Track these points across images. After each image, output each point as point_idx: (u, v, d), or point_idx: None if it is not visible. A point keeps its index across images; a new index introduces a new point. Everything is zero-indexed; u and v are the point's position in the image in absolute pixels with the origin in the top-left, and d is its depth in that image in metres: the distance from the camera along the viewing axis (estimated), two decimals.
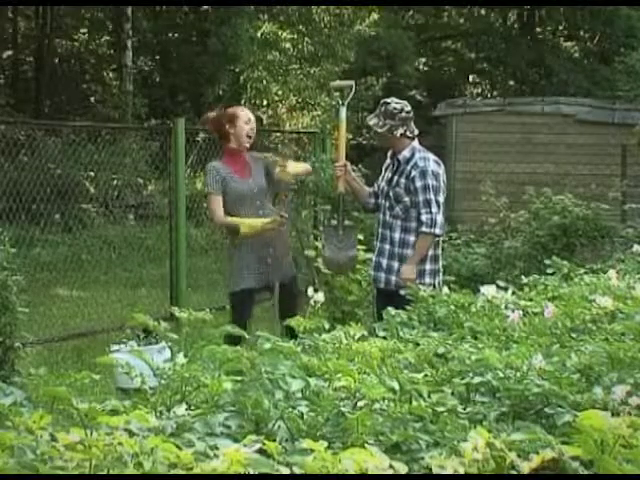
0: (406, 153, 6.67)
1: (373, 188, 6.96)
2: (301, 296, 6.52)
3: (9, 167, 11.50)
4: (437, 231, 6.58)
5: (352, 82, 7.04)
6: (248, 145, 6.86)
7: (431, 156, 6.76)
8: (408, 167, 6.64)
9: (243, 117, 6.83)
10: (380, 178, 6.92)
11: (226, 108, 7.02)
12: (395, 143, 6.68)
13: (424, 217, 6.56)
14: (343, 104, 6.81)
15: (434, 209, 6.57)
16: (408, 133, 6.66)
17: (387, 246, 6.70)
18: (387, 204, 6.72)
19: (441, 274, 6.85)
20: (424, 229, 6.55)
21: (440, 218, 6.60)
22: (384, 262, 6.69)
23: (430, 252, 6.70)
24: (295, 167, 6.95)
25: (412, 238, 6.65)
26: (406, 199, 6.63)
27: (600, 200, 10.63)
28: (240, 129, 6.81)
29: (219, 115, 6.94)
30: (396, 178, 6.69)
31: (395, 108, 6.65)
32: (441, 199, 6.64)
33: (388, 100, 6.80)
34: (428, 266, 6.71)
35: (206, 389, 3.03)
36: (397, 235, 6.66)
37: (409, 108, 6.72)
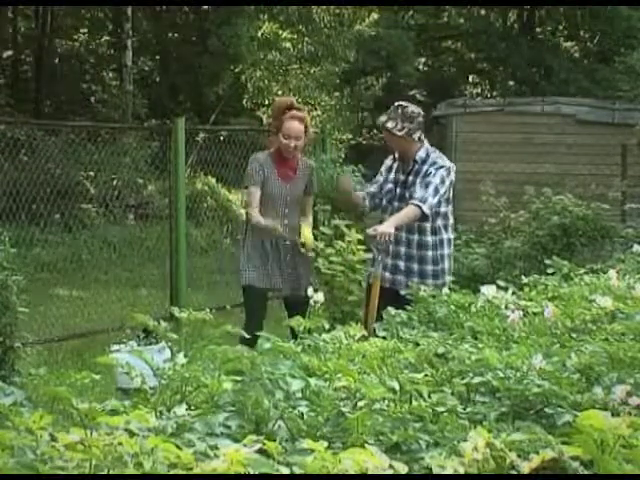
0: (422, 154, 6.68)
1: (368, 190, 6.93)
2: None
3: (9, 167, 11.50)
4: (425, 209, 6.51)
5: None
6: (290, 156, 6.76)
7: (444, 156, 6.84)
8: (425, 167, 6.65)
9: (284, 130, 6.67)
10: (381, 179, 6.90)
11: (288, 107, 6.75)
12: (409, 147, 6.67)
13: (417, 194, 6.53)
14: (380, 259, 6.69)
15: (430, 190, 6.52)
16: (422, 137, 6.71)
17: (403, 248, 6.68)
18: (403, 206, 6.67)
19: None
20: (414, 202, 6.50)
21: (432, 201, 6.52)
22: (402, 264, 6.69)
23: (431, 253, 6.73)
24: (308, 234, 6.84)
25: (429, 239, 6.65)
26: None
27: (600, 200, 10.63)
28: (281, 140, 6.71)
29: (275, 112, 6.84)
30: (411, 179, 6.68)
31: (413, 112, 6.66)
32: (442, 190, 6.59)
33: (404, 103, 6.78)
34: (443, 266, 6.75)
35: (206, 389, 3.03)
36: (415, 237, 6.64)
37: (422, 113, 6.79)
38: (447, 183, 6.65)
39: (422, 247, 6.66)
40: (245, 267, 6.78)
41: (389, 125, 6.64)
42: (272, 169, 6.76)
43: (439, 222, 6.70)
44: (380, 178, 6.90)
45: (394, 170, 6.81)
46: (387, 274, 6.73)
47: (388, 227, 6.41)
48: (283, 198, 6.78)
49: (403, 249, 6.69)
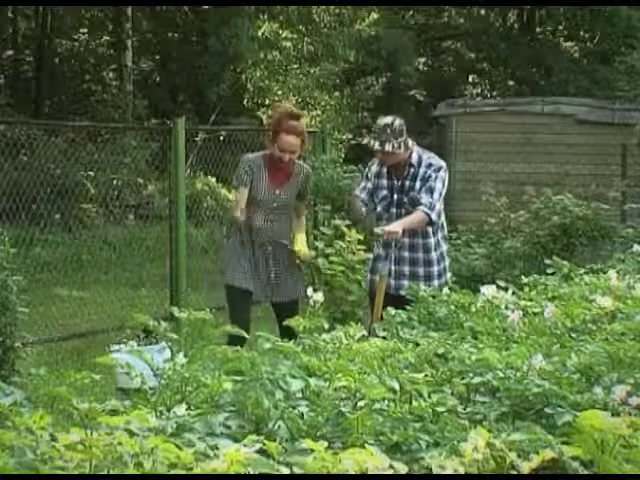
0: (415, 157, 6.68)
1: (359, 197, 6.82)
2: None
3: (9, 167, 11.49)
4: (433, 216, 6.54)
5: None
6: (286, 161, 6.55)
7: (432, 153, 6.86)
8: (422, 169, 6.65)
9: (279, 144, 6.47)
10: (370, 185, 6.81)
11: (287, 116, 6.54)
12: (405, 157, 6.66)
13: (424, 200, 6.53)
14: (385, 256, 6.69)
15: (435, 195, 6.56)
16: (412, 143, 6.70)
17: (406, 253, 6.68)
18: (402, 211, 6.65)
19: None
20: (423, 209, 6.52)
21: (439, 207, 6.59)
22: (407, 269, 6.68)
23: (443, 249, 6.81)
24: (302, 243, 6.71)
25: (431, 240, 6.66)
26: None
27: (600, 200, 10.62)
28: (276, 151, 6.51)
29: (275, 121, 6.64)
30: (408, 183, 6.66)
31: (401, 125, 6.61)
32: (444, 193, 6.65)
33: (387, 121, 6.65)
34: (445, 264, 6.83)
35: (206, 389, 3.03)
36: (419, 241, 6.63)
37: (402, 121, 6.72)
38: (446, 184, 6.70)
39: (427, 250, 6.68)
40: (227, 266, 6.65)
41: (389, 148, 6.56)
42: (263, 172, 6.56)
43: (438, 221, 6.73)
44: (369, 184, 6.82)
45: (385, 176, 6.76)
46: (392, 280, 6.71)
47: (396, 227, 6.41)
48: (270, 204, 6.57)
49: (407, 254, 6.68)
